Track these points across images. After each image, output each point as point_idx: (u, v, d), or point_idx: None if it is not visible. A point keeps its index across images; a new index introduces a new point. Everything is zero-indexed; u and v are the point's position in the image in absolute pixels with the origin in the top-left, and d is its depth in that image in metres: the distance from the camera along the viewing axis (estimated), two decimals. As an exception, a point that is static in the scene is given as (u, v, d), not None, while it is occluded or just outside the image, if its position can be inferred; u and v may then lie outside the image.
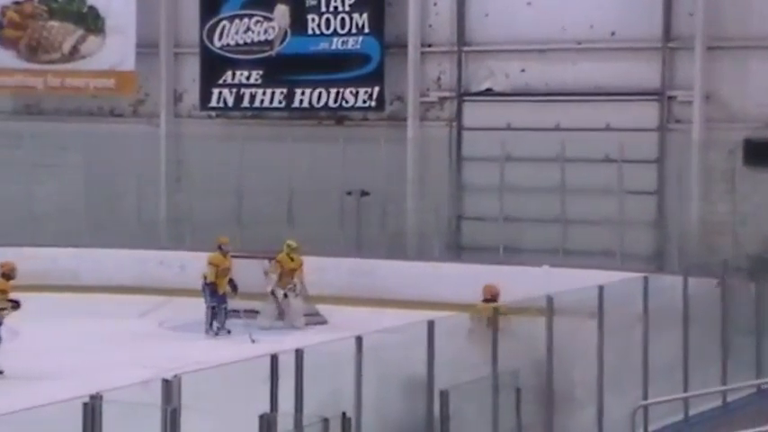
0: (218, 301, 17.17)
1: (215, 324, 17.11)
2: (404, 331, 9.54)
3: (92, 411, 6.46)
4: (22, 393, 12.89)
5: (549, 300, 9.90)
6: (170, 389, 6.94)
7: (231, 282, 17.36)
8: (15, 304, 14.79)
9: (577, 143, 19.50)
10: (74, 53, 22.99)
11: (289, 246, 17.91)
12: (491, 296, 13.89)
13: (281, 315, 17.76)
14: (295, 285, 17.79)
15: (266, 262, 18.08)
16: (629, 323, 11.02)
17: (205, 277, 17.30)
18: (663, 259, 18.75)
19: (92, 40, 22.90)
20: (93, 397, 6.49)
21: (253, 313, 17.79)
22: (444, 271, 19.53)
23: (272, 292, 17.70)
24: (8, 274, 14.90)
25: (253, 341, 16.30)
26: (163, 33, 22.70)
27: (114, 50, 22.76)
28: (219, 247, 17.55)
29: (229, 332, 17.11)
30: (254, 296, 17.84)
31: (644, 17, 19.70)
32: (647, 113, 19.61)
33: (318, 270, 18.65)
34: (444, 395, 8.56)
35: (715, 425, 10.89)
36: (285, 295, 17.74)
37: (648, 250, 19.19)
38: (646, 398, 10.53)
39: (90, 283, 20.26)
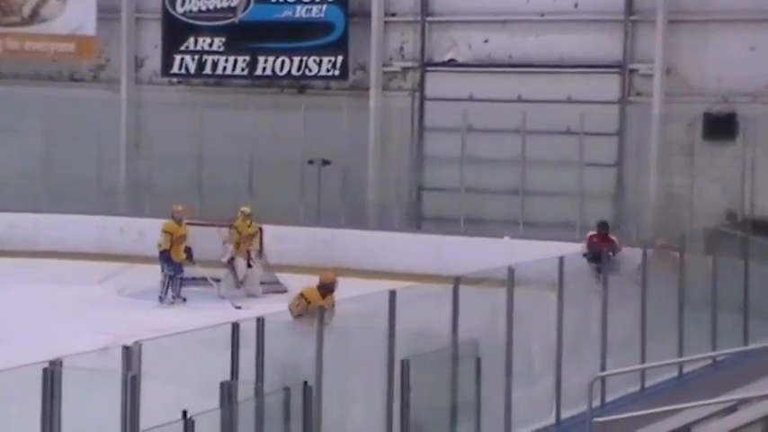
0: (175, 269, 17.10)
1: (170, 293, 17.03)
2: (365, 301, 9.57)
3: (51, 377, 6.44)
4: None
5: (510, 271, 9.95)
6: (130, 355, 6.93)
7: (188, 250, 17.28)
8: None
9: (539, 115, 19.55)
10: (34, 16, 22.70)
11: (243, 212, 17.87)
12: (324, 284, 12.57)
13: (239, 284, 17.71)
14: (250, 252, 17.72)
15: (224, 230, 18.01)
16: (588, 295, 11.12)
17: (159, 245, 17.20)
18: (621, 231, 18.88)
19: (52, 3, 22.61)
20: (52, 362, 6.47)
21: (216, 281, 17.77)
22: (404, 241, 19.60)
23: (230, 261, 17.64)
24: (178, 217, 16.65)
25: (238, 308, 16.28)
26: (124, -2, 22.47)
27: (75, 14, 22.49)
28: (173, 215, 17.45)
29: (185, 300, 17.06)
30: (215, 264, 17.79)
31: (607, -10, 19.78)
32: (609, 86, 19.73)
33: (278, 239, 18.64)
34: (405, 364, 8.60)
35: (671, 395, 11.01)
36: (249, 265, 17.69)
37: (607, 222, 19.29)
38: (603, 369, 10.64)
39: (48, 248, 20.13)
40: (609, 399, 10.65)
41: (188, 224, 17.75)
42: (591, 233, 16.39)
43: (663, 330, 11.68)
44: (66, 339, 12.59)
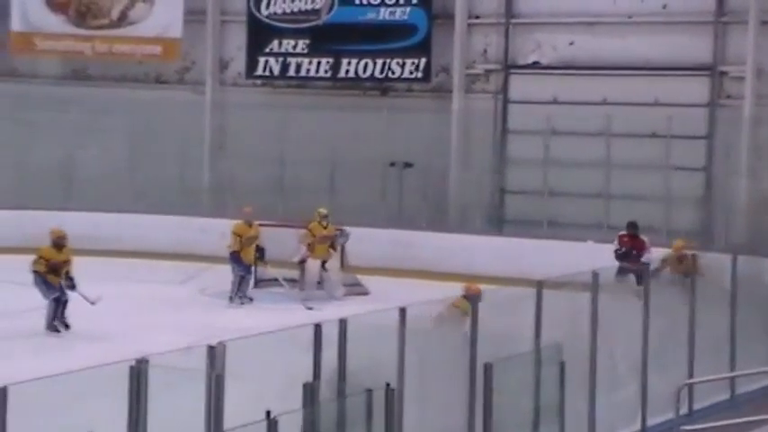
0: (244, 270, 17.19)
1: (238, 293, 17.11)
2: (446, 304, 9.49)
3: (138, 374, 6.49)
4: (67, 356, 13.02)
5: (595, 275, 9.81)
6: (214, 355, 6.95)
7: (260, 250, 17.35)
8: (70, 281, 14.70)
9: (624, 118, 19.32)
10: (122, 19, 23.05)
11: (319, 213, 17.84)
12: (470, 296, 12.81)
13: (309, 285, 17.66)
14: (330, 253, 17.68)
15: (301, 231, 18.05)
16: (676, 300, 10.92)
17: (229, 246, 17.30)
18: (710, 236, 18.55)
19: (140, 6, 22.94)
20: (139, 361, 6.52)
21: (290, 281, 17.84)
22: (486, 244, 19.46)
23: (301, 262, 17.63)
24: (58, 242, 14.77)
25: (309, 308, 16.35)
26: (210, 1, 22.70)
27: (162, 17, 22.79)
28: (242, 217, 17.56)
29: (251, 300, 17.14)
30: (290, 265, 17.84)
31: (697, -9, 19.46)
32: (697, 88, 19.38)
33: (359, 241, 18.62)
34: (488, 368, 8.52)
35: (761, 404, 10.76)
36: (324, 267, 17.68)
37: (695, 227, 19.01)
38: (691, 376, 10.43)
39: (132, 248, 20.38)
40: (697, 407, 10.44)
41: (266, 225, 17.85)
42: (621, 233, 16.40)
43: (753, 337, 11.42)
44: (151, 338, 12.72)
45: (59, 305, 14.78)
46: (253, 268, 17.43)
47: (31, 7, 23.02)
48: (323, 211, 17.87)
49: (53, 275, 15.25)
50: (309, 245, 17.56)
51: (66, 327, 14.60)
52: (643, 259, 15.20)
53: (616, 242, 16.17)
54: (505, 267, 17.60)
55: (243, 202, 21.06)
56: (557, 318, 9.63)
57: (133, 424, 6.55)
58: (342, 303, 17.00)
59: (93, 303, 14.22)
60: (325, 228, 17.75)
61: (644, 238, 16.10)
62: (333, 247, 17.80)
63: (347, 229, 18.16)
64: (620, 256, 15.79)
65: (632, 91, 19.55)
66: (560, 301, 9.78)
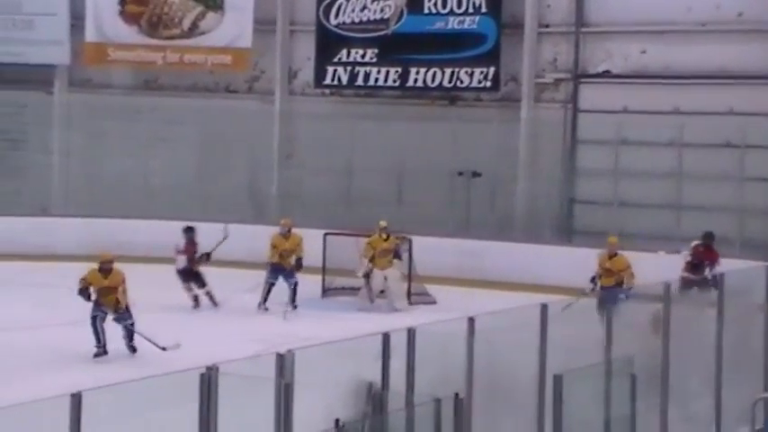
0: (273, 277, 17.34)
1: (264, 302, 17.31)
2: (515, 313, 9.42)
3: (208, 382, 6.51)
4: (137, 364, 13.16)
5: (667, 286, 9.68)
6: (283, 363, 6.95)
7: (298, 260, 17.39)
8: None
9: (697, 127, 19.06)
10: (193, 29, 23.29)
11: (379, 226, 17.83)
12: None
13: (373, 297, 17.62)
14: (392, 264, 17.66)
15: (362, 241, 18.07)
16: (750, 313, 10.73)
17: (268, 258, 17.45)
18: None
19: (211, 16, 23.17)
20: (209, 368, 6.54)
21: (354, 290, 17.86)
22: (555, 254, 19.29)
23: (366, 275, 17.60)
24: (103, 267, 14.37)
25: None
26: (279, 11, 22.85)
27: (232, 27, 22.99)
28: (281, 229, 17.68)
29: (295, 307, 17.21)
30: (350, 273, 17.87)
31: (772, -2, 19.15)
32: (772, 98, 19.07)
33: (427, 250, 18.58)
34: (558, 379, 8.44)
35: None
36: (385, 278, 17.67)
37: (768, 239, 18.69)
38: (766, 390, 10.23)
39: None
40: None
41: (332, 234, 18.15)
42: (696, 243, 16.18)
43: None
44: (221, 346, 12.79)
45: (97, 323, 14.25)
46: (291, 277, 17.37)
47: (105, 18, 23.36)
48: (383, 223, 17.84)
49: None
50: (371, 258, 17.58)
51: (133, 350, 14.24)
52: (714, 272, 15.06)
53: (689, 252, 15.97)
54: (575, 278, 17.41)
55: (311, 211, 21.23)
56: (628, 329, 9.51)
57: (204, 430, 6.57)
58: (408, 313, 16.96)
59: (163, 349, 13.59)
60: (385, 240, 17.74)
61: (717, 250, 15.93)
62: (398, 257, 17.79)
63: (408, 236, 18.13)
64: (692, 266, 15.54)
65: (705, 100, 19.28)
66: (631, 313, 9.66)
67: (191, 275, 17.52)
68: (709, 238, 16.24)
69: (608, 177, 20.06)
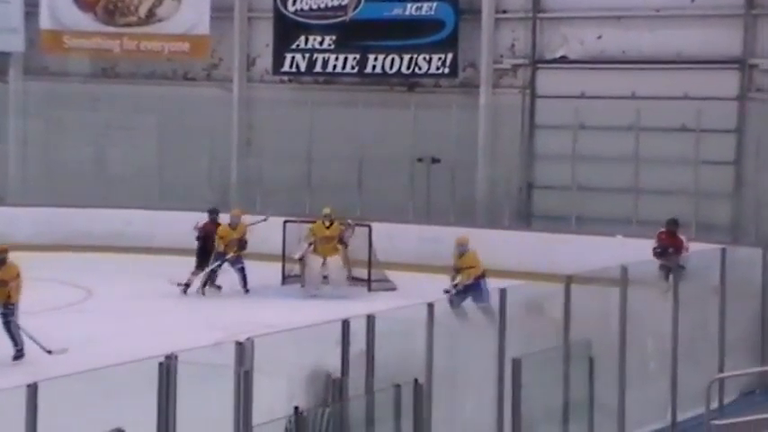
0: (216, 265, 17.63)
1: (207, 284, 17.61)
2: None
3: (167, 371, 6.50)
4: (96, 353, 13.08)
5: (624, 270, 9.77)
6: (243, 351, 6.96)
7: (241, 241, 17.67)
8: None
9: (653, 112, 19.18)
10: (150, 17, 23.14)
11: (324, 213, 17.92)
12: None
13: (309, 281, 17.76)
14: (336, 250, 17.76)
15: (305, 226, 18.25)
16: (705, 295, 10.85)
17: (216, 248, 17.69)
18: (740, 231, 18.42)
19: (168, 3, 23.02)
20: (168, 357, 6.53)
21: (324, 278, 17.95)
22: (514, 239, 19.40)
23: (301, 259, 17.71)
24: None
25: (313, 296, 17.05)
26: (237, -3, 22.75)
27: (190, 14, 22.86)
28: (230, 220, 17.96)
29: (220, 288, 17.70)
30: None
31: (725, -17, 19.32)
32: (727, 82, 19.23)
33: (388, 237, 18.63)
34: (516, 364, 8.50)
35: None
36: (323, 264, 17.77)
37: (725, 222, 18.88)
38: (722, 371, 10.37)
39: (163, 245, 20.47)
40: (727, 401, 10.38)
41: (293, 221, 18.41)
42: (661, 230, 16.29)
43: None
44: (180, 334, 12.77)
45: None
46: (237, 263, 17.70)
47: (60, 6, 23.15)
48: (326, 210, 18.03)
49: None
50: (311, 244, 17.68)
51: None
52: (680, 258, 15.11)
53: (655, 239, 16.05)
54: (534, 263, 17.56)
55: (271, 199, 21.20)
56: (585, 313, 9.60)
57: (163, 420, 6.57)
58: (368, 299, 17.01)
59: (49, 352, 12.76)
60: (328, 227, 17.80)
61: (682, 236, 15.98)
62: (342, 243, 17.86)
63: (350, 221, 18.27)
64: (657, 254, 15.64)
65: (661, 85, 19.43)
66: (589, 297, 9.75)
67: (204, 254, 17.70)
68: (673, 224, 16.31)
69: (566, 162, 20.15)
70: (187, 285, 17.53)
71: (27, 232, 20.66)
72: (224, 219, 18.15)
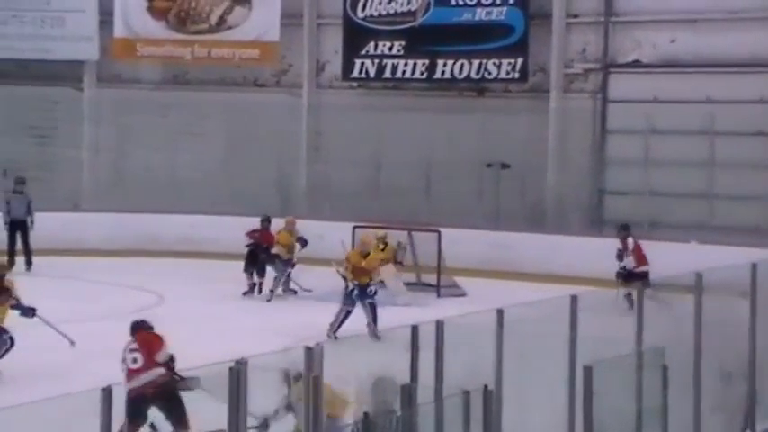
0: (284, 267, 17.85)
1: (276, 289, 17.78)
2: (545, 305, 9.35)
3: (237, 375, 6.49)
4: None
5: (698, 277, 9.58)
6: (312, 356, 6.92)
7: (300, 239, 17.89)
8: None
9: (728, 116, 18.90)
10: (221, 24, 23.33)
11: (378, 236, 17.55)
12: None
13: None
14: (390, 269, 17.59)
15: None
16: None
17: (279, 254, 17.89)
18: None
19: (238, 10, 23.19)
20: (238, 362, 6.52)
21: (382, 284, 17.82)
22: (585, 245, 19.18)
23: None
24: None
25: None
26: (306, 4, 22.83)
27: (259, 21, 23.00)
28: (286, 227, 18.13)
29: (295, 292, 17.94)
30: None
31: (803, -15, 18.96)
32: (804, 85, 18.88)
33: (456, 242, 18.55)
34: (587, 371, 8.37)
35: None
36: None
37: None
38: (801, 380, 10.13)
39: (230, 250, 20.55)
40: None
41: (362, 227, 18.26)
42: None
43: None
44: (249, 339, 12.80)
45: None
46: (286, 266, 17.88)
47: (133, 14, 23.44)
48: (380, 233, 17.76)
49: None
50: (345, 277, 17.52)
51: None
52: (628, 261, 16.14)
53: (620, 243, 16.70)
54: (606, 269, 17.32)
55: (339, 204, 21.23)
56: (660, 320, 9.42)
57: (233, 424, 6.55)
58: (438, 305, 16.91)
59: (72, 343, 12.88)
60: (382, 250, 17.62)
61: (632, 240, 16.57)
62: (397, 263, 17.78)
63: (403, 242, 18.13)
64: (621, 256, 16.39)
65: (736, 88, 19.12)
66: (664, 304, 9.57)
67: (253, 261, 17.87)
68: (623, 230, 16.85)
69: (638, 167, 19.93)
70: (254, 286, 17.70)
71: (99, 237, 20.94)
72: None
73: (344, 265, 15.49)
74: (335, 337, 14.29)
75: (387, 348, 8.16)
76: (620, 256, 16.52)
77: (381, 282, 17.54)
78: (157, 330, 10.30)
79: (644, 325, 9.14)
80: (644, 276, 15.20)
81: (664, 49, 20.13)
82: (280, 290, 17.83)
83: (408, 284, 17.94)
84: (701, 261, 11.59)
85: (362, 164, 21.92)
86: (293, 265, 17.85)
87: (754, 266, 10.03)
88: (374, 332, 14.19)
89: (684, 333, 9.62)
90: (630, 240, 16.68)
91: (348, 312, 14.94)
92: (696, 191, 19.45)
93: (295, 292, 17.96)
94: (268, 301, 17.61)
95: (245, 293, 17.78)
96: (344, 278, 15.29)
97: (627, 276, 16.00)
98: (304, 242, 17.95)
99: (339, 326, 14.75)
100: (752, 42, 19.22)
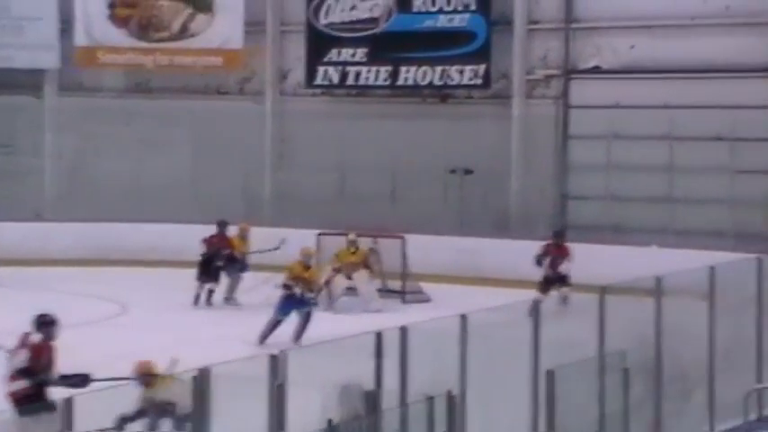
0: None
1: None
2: (509, 310, 9.43)
3: (201, 384, 6.52)
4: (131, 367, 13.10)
5: (658, 280, 9.70)
6: (277, 364, 6.96)
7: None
8: None
9: (687, 121, 19.10)
10: (183, 31, 23.29)
11: (349, 240, 17.83)
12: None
13: (331, 303, 17.45)
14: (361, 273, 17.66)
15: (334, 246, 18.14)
16: (742, 305, 10.75)
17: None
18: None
19: (201, 18, 23.16)
20: (201, 370, 6.55)
21: (351, 290, 17.84)
22: (549, 250, 19.26)
23: (326, 283, 17.43)
24: None
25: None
26: (269, 11, 22.84)
27: (222, 29, 22.99)
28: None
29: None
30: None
31: (760, -9, 19.19)
32: (761, 90, 19.06)
33: (421, 248, 18.60)
34: (550, 375, 8.46)
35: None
36: (349, 278, 17.65)
37: (761, 230, 18.68)
38: (760, 381, 10.26)
39: (196, 258, 20.49)
40: (767, 412, 10.26)
41: (327, 234, 18.37)
42: (548, 242, 16.93)
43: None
44: (214, 347, 12.79)
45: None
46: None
47: (94, 22, 23.34)
48: (351, 237, 17.88)
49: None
50: (335, 269, 17.59)
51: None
52: (561, 268, 16.19)
53: (540, 251, 16.67)
54: (570, 273, 17.44)
55: (304, 211, 21.23)
56: (621, 324, 9.53)
57: (197, 432, 6.58)
58: (402, 311, 16.97)
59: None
60: (353, 253, 17.72)
61: (568, 246, 16.63)
62: (367, 267, 17.79)
63: (376, 247, 18.13)
64: (540, 263, 16.48)
65: (695, 94, 19.31)
66: (625, 307, 9.68)
67: (208, 268, 17.70)
68: (559, 236, 17.00)
69: (600, 172, 20.08)
70: (199, 297, 17.57)
71: (63, 247, 20.82)
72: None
73: (285, 275, 15.60)
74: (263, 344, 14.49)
75: (352, 355, 8.20)
76: (540, 261, 16.47)
77: (352, 289, 17.66)
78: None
79: (606, 329, 9.25)
80: (566, 278, 15.95)
81: (624, 54, 20.30)
82: (237, 296, 17.66)
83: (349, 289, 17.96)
84: (662, 265, 11.75)
85: (327, 170, 21.95)
86: (245, 269, 17.76)
87: (712, 270, 10.16)
88: (298, 339, 14.54)
89: (645, 336, 9.73)
90: (566, 245, 16.74)
91: (279, 322, 14.97)
92: (657, 195, 19.62)
93: (237, 304, 17.69)
94: (227, 304, 17.53)
95: (195, 303, 17.53)
96: (286, 286, 15.33)
97: (560, 280, 16.03)
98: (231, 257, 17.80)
99: (268, 335, 14.82)
100: (709, 48, 19.42)
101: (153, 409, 8.58)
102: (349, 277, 17.72)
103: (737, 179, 19.04)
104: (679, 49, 19.69)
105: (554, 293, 15.46)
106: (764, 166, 19.12)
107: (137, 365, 9.62)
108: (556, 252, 16.54)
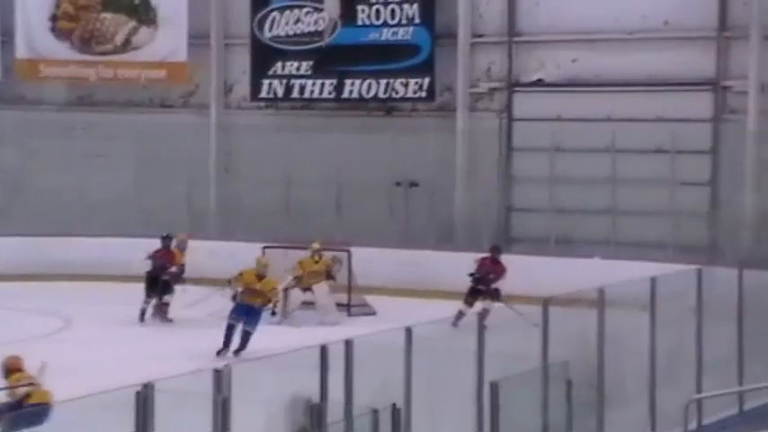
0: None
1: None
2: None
3: (144, 400, 6.49)
4: (74, 382, 12.99)
5: (601, 292, 9.81)
6: (220, 378, 6.95)
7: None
8: None
9: (629, 134, 19.34)
10: (126, 44, 23.15)
11: (312, 248, 17.82)
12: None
13: (287, 314, 17.38)
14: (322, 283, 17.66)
15: (291, 253, 18.11)
16: (683, 316, 10.90)
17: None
18: (716, 251, 18.52)
19: (144, 31, 23.04)
20: (145, 386, 6.52)
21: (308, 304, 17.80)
22: (494, 262, 19.37)
23: (285, 290, 17.42)
24: None
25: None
26: (213, 24, 22.79)
27: (166, 42, 22.88)
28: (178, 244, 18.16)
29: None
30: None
31: (698, 6, 19.49)
32: (701, 104, 19.38)
33: (367, 261, 18.63)
34: (494, 387, 8.52)
35: (770, 419, 10.73)
36: (309, 291, 17.61)
37: (702, 242, 18.98)
38: (699, 391, 10.40)
39: (140, 272, 20.36)
40: (705, 422, 10.40)
41: (272, 247, 18.27)
42: (483, 256, 17.19)
43: (761, 351, 11.39)
44: (159, 362, 12.72)
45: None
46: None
47: (36, 34, 23.13)
48: (315, 245, 17.87)
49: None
50: (297, 277, 17.56)
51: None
52: (496, 285, 16.43)
53: (475, 265, 16.84)
54: (513, 285, 17.57)
55: (250, 225, 21.18)
56: (564, 335, 9.62)
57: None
58: (347, 325, 16.96)
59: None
60: (316, 262, 17.71)
61: (503, 263, 16.87)
62: (330, 278, 17.75)
63: (339, 255, 18.12)
64: (475, 280, 16.66)
65: (636, 107, 19.57)
66: (567, 319, 9.78)
67: (154, 283, 17.55)
68: (496, 251, 17.19)
69: (544, 184, 20.25)
70: (143, 313, 17.43)
71: (4, 261, 20.56)
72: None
73: (236, 281, 15.63)
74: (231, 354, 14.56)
75: (297, 369, 8.20)
76: (482, 279, 16.64)
77: (309, 303, 17.59)
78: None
79: (549, 340, 9.34)
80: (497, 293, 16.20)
81: (566, 68, 20.51)
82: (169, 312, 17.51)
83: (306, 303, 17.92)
84: (605, 276, 11.89)
85: (273, 183, 21.91)
86: (181, 281, 17.67)
87: (653, 281, 10.30)
88: (239, 352, 14.69)
89: (588, 347, 9.83)
90: (502, 263, 16.93)
91: (232, 327, 14.95)
92: (600, 207, 19.81)
93: (170, 320, 17.53)
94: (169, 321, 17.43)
95: (141, 319, 17.40)
96: (235, 297, 15.31)
97: (490, 294, 16.25)
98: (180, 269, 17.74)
99: (228, 343, 14.78)
100: (650, 62, 19.68)
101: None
102: (309, 287, 17.64)
103: (678, 191, 19.31)
104: (621, 62, 19.95)
105: (479, 305, 15.61)
106: (705, 179, 19.43)
107: (4, 359, 9.90)
108: (491, 267, 16.74)
